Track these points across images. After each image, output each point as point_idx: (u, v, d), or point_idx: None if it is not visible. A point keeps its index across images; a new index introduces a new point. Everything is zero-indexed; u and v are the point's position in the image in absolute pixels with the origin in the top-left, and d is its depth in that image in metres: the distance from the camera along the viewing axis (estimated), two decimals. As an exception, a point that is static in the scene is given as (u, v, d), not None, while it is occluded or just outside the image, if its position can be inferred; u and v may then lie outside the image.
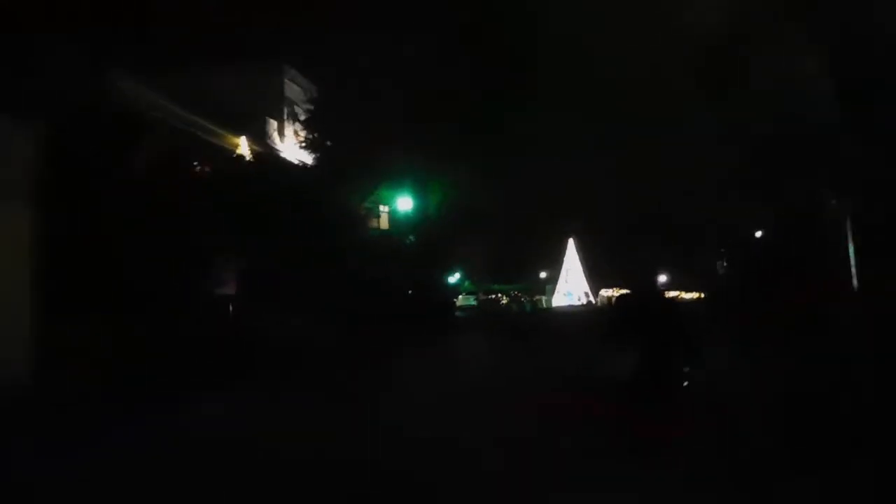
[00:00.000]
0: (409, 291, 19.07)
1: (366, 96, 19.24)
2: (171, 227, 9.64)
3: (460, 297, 41.49)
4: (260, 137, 22.69)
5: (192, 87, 21.37)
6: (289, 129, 23.61)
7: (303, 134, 20.90)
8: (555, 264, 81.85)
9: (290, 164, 19.39)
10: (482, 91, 20.91)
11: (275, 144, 23.46)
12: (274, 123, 24.59)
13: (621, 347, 4.72)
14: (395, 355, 13.24)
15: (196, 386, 8.60)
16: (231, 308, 12.57)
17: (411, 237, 22.29)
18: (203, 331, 9.94)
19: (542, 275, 77.21)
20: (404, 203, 22.99)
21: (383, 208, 24.91)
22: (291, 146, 22.38)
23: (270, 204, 12.27)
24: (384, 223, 25.47)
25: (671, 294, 60.01)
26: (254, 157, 15.91)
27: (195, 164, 12.92)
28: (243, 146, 18.54)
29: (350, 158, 18.40)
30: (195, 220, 10.19)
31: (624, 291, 5.61)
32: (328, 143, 19.44)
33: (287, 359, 10.61)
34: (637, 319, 4.76)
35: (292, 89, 24.47)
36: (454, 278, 32.50)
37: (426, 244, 22.01)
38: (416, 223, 22.55)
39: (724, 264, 25.37)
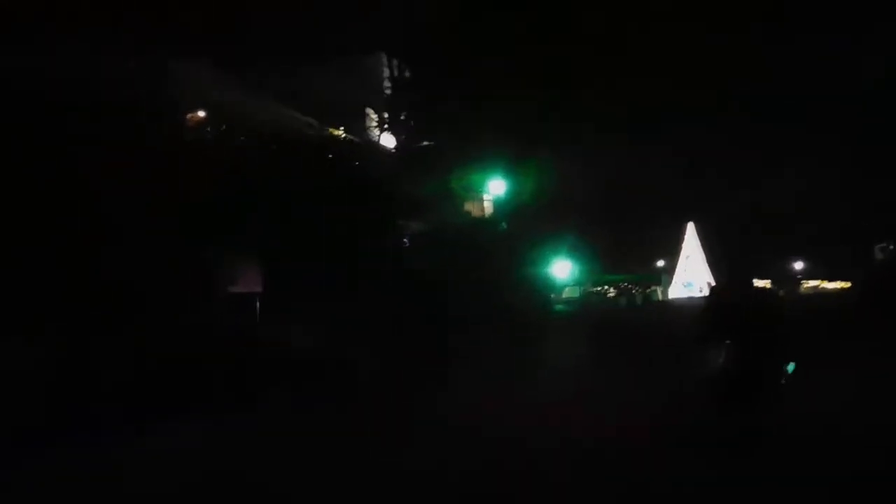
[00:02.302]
0: (493, 289, 16.68)
1: (452, 73, 18.29)
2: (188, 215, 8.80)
3: (566, 289, 39.54)
4: (358, 128, 22.80)
5: (291, 79, 21.96)
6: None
7: (386, 116, 20.43)
8: (674, 252, 76.42)
9: (369, 148, 18.59)
10: (585, 62, 19.14)
11: (372, 135, 23.50)
12: (373, 114, 24.71)
13: (711, 345, 4.72)
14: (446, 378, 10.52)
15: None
16: (257, 309, 10.70)
17: (503, 224, 20.85)
18: (204, 341, 8.50)
19: (660, 263, 72.37)
20: (496, 187, 21.71)
21: (486, 197, 23.83)
22: (389, 138, 22.13)
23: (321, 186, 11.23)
24: (487, 212, 24.38)
25: (811, 284, 53.29)
26: (320, 138, 14.88)
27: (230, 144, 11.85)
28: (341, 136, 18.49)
29: (435, 139, 17.49)
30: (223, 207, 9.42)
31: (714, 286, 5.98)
32: (412, 122, 18.72)
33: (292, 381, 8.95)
34: (727, 317, 4.70)
35: (390, 78, 24.24)
36: (563, 270, 30.62)
37: (518, 235, 20.12)
38: (509, 210, 21.16)
39: (891, 247, 21.00)
